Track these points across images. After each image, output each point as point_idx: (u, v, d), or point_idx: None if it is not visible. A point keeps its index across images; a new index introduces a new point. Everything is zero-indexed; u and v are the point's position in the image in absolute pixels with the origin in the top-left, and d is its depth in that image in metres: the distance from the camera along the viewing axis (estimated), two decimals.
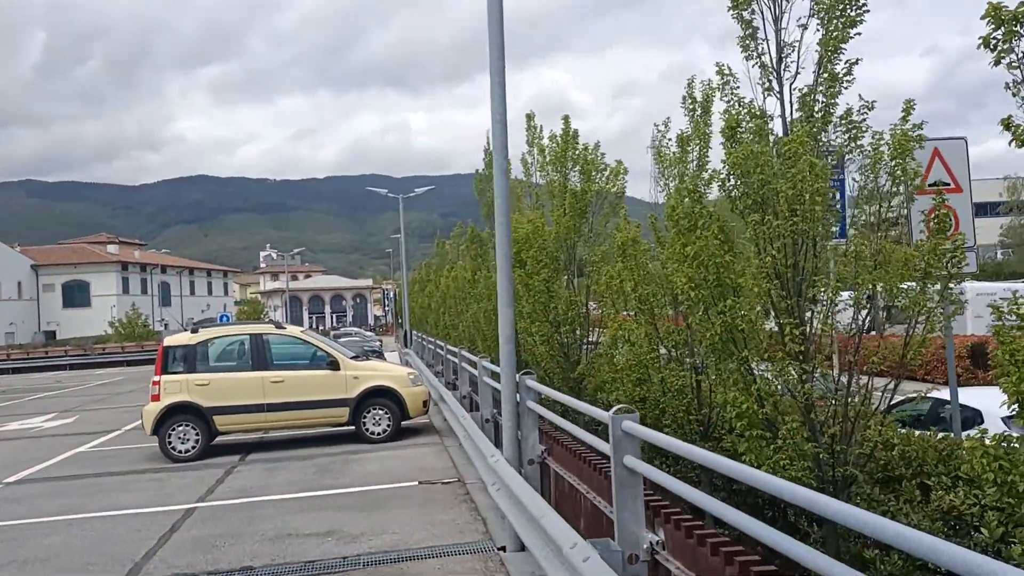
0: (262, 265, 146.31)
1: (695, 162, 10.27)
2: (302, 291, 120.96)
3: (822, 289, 6.63)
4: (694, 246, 7.39)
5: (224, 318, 42.30)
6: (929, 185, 8.59)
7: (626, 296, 10.77)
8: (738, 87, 7.89)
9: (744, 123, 7.45)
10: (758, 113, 7.43)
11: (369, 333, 66.89)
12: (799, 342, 6.78)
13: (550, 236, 15.84)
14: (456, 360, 15.78)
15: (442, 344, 21.10)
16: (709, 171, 9.34)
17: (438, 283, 40.08)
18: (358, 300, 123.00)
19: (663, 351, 10.56)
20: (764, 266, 6.94)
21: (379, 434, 14.36)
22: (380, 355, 32.21)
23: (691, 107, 10.45)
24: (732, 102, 7.69)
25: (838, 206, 7.49)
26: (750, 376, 7.35)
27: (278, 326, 14.86)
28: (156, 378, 13.94)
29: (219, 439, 14.44)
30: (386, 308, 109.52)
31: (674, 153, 10.62)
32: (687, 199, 7.78)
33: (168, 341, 14.32)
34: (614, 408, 4.77)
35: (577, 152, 16.94)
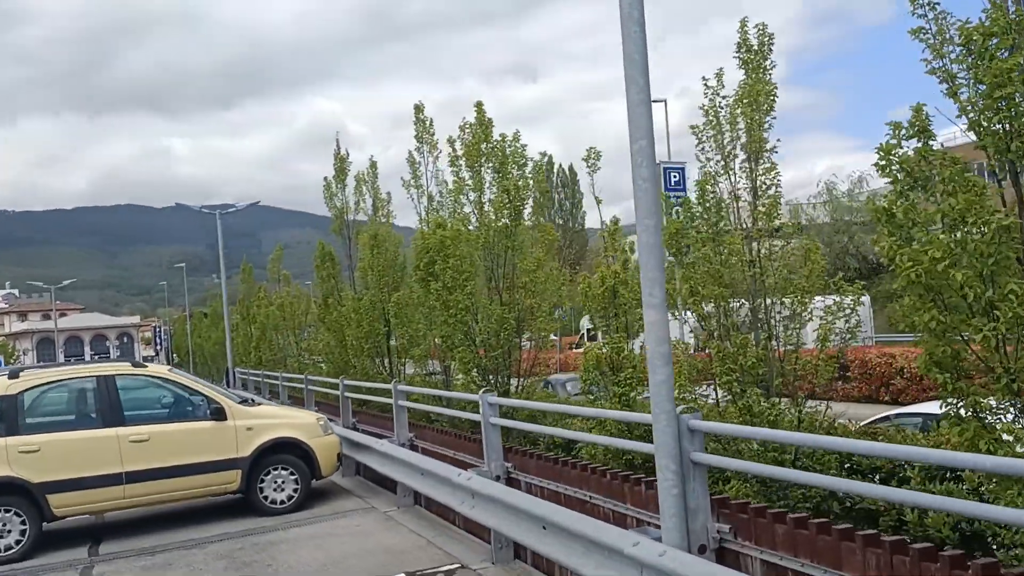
0: (2, 305, 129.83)
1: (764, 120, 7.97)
2: (57, 331, 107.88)
3: None
4: (954, 203, 4.91)
5: None
6: None
7: (684, 300, 8.13)
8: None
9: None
10: None
11: None
12: None
13: (478, 242, 13.04)
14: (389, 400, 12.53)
15: (331, 380, 17.12)
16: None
17: (247, 313, 35.61)
18: (125, 340, 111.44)
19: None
20: None
21: (283, 502, 10.78)
22: None
23: (746, 56, 8.15)
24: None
25: None
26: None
27: (136, 364, 10.88)
28: None
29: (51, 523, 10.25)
30: (159, 347, 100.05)
31: (730, 113, 8.22)
32: (915, 141, 5.29)
33: None
34: None
35: (492, 144, 14.29)
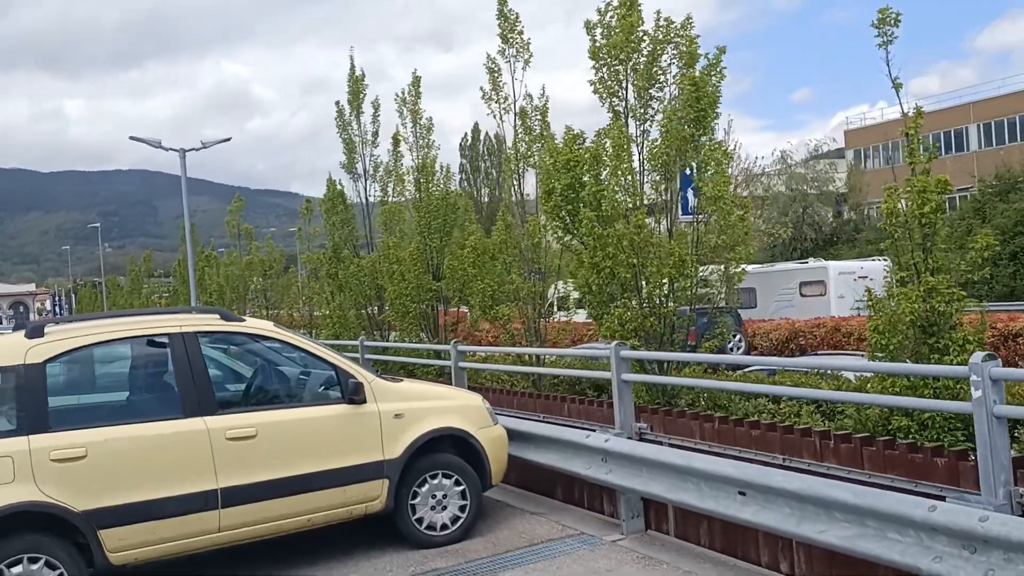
0: None
1: None
2: None
3: None
4: None
5: None
6: None
7: None
8: None
9: None
10: None
11: None
12: None
13: (659, 152, 9.58)
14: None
15: (430, 347, 12.85)
16: None
17: (202, 272, 31.28)
18: (20, 309, 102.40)
19: None
20: None
21: (444, 527, 7.05)
22: None
23: None
24: None
25: None
26: None
27: (226, 317, 6.88)
28: None
29: None
30: (58, 315, 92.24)
31: None
32: None
33: None
34: None
35: (641, 33, 10.67)
